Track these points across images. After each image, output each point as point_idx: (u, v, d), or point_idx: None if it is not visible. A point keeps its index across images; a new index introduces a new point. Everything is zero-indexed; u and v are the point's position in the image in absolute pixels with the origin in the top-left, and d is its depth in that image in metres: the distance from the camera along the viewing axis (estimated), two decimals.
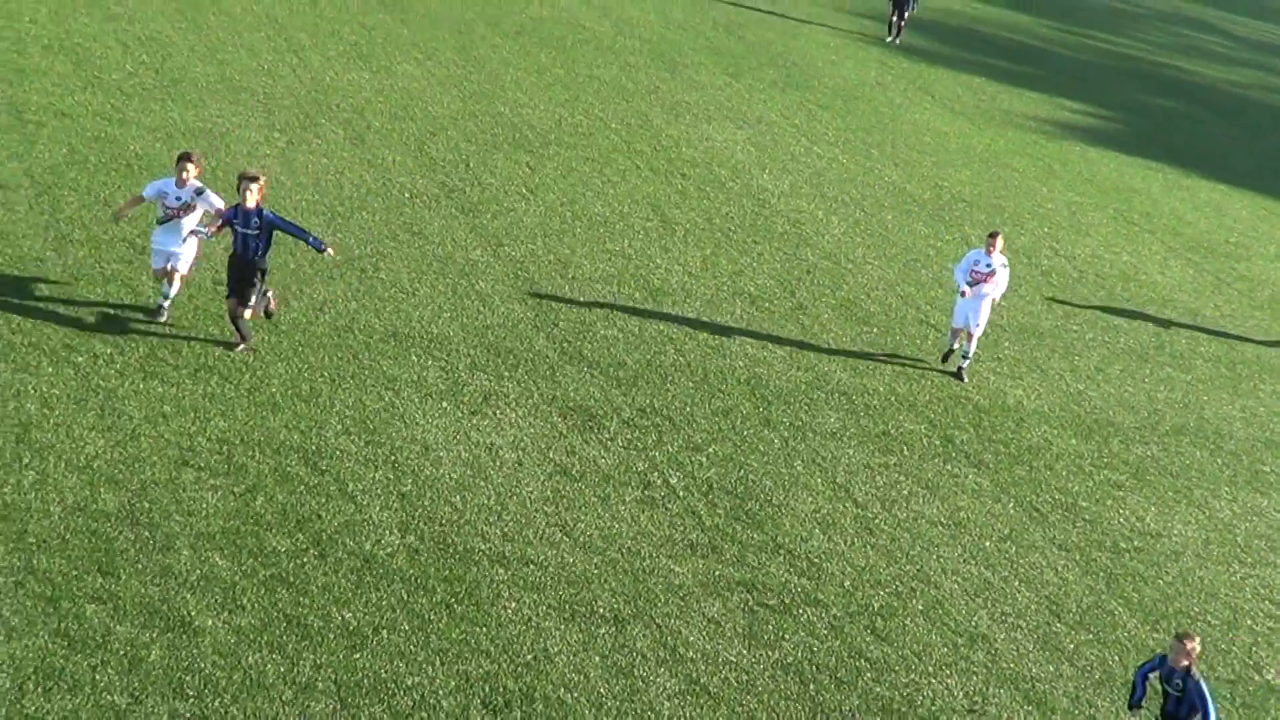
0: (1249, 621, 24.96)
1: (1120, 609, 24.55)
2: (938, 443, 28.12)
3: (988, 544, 25.49)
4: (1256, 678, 23.59)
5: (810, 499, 25.42)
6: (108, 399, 23.23)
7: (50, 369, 23.56)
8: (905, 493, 26.31)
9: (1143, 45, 71.08)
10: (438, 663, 19.90)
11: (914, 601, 23.58)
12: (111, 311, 25.49)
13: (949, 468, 27.41)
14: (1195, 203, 47.46)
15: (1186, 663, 19.63)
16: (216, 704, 18.33)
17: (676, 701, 20.35)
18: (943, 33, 61.32)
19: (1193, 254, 42.24)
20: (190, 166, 25.42)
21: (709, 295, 31.59)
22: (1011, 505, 26.76)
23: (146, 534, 20.76)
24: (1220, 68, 70.79)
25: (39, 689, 17.86)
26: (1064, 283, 37.39)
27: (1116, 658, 23.29)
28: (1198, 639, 19.77)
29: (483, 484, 23.63)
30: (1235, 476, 29.69)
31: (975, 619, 23.50)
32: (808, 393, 28.62)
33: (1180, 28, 78.20)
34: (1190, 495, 28.53)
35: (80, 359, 23.98)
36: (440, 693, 19.43)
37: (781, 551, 23.92)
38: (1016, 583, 24.68)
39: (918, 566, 24.43)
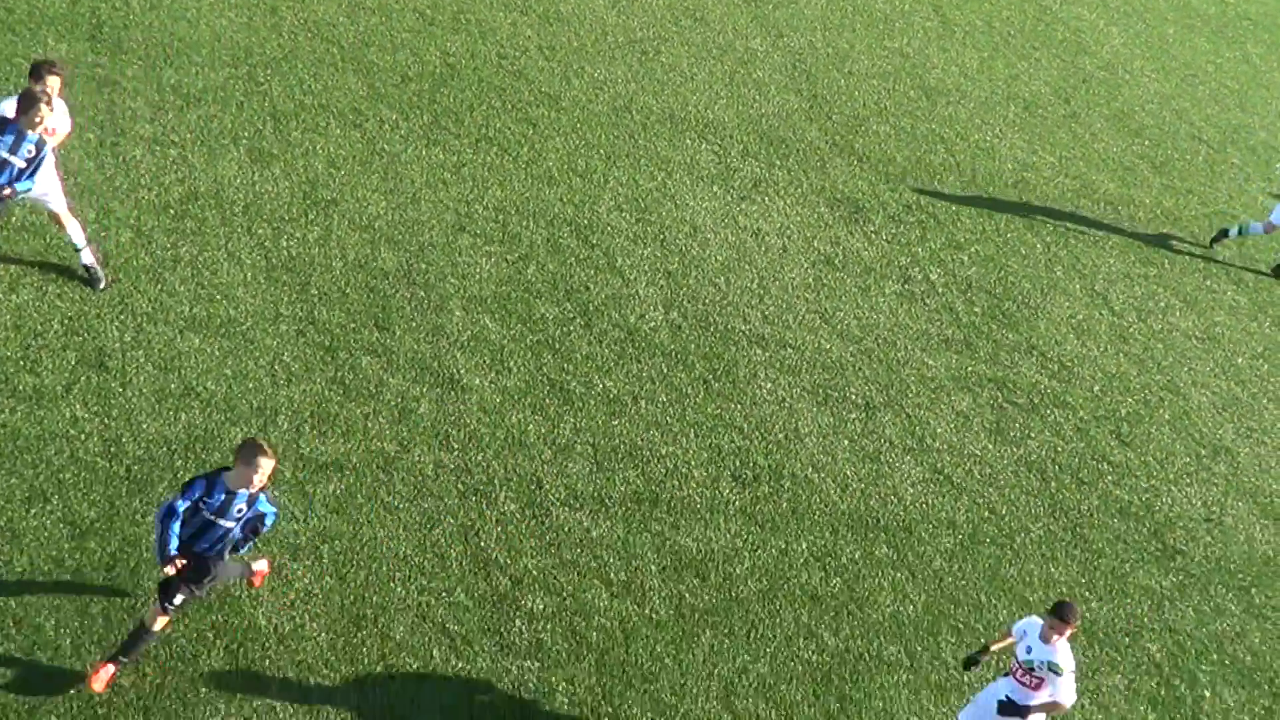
0: None
1: None
2: (1199, 257, 27.64)
3: (1240, 360, 25.15)
4: None
5: (1067, 304, 25.22)
6: (391, 163, 23.66)
7: (339, 131, 24.02)
8: (1162, 304, 25.99)
9: None
10: (692, 434, 20.23)
11: (1161, 410, 23.40)
12: (400, 79, 25.83)
13: (1208, 283, 26.99)
14: None
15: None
16: (479, 458, 18.85)
17: (920, 488, 20.51)
18: None
19: None
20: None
21: (983, 97, 31.18)
22: (1267, 324, 26.32)
23: (422, 294, 21.24)
24: None
25: (314, 431, 18.51)
26: None
27: None
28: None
29: (747, 267, 23.77)
30: None
31: (1220, 432, 23.28)
32: (1074, 200, 28.25)
33: None
34: None
35: (368, 123, 24.40)
36: (693, 463, 19.77)
37: (1034, 353, 23.82)
38: (1265, 400, 24.35)
39: (1168, 377, 24.20)
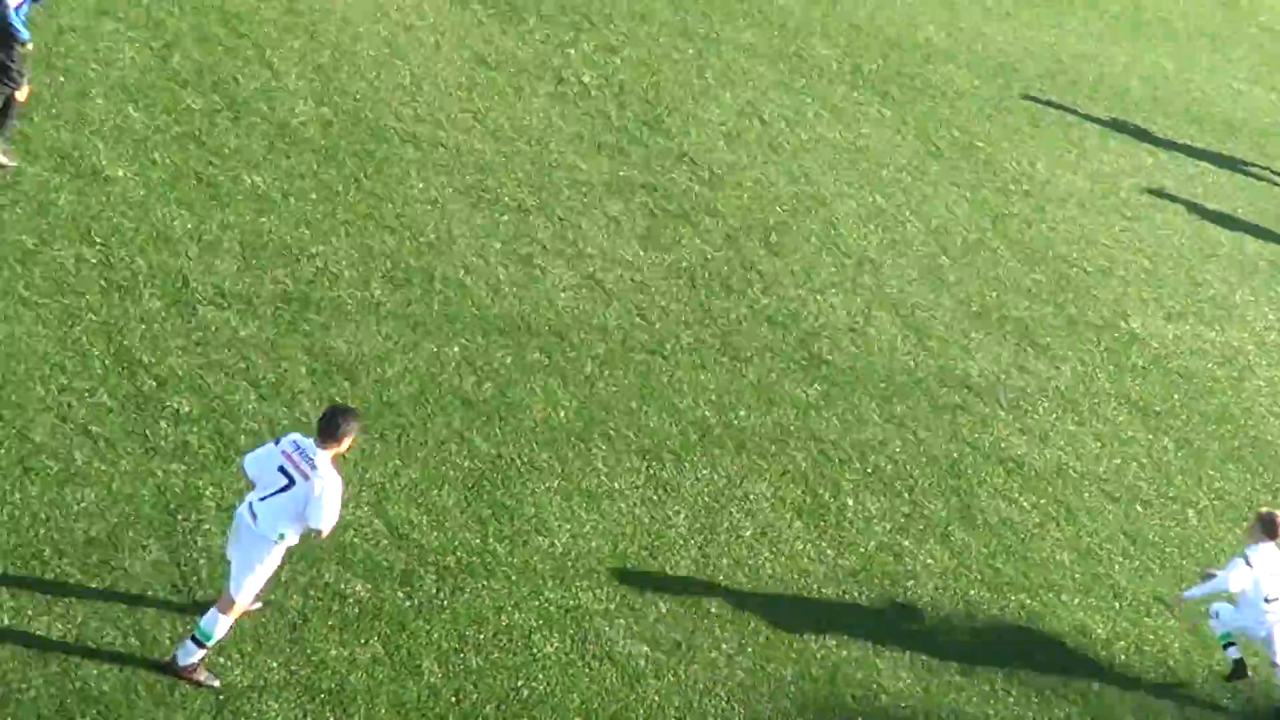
0: (1121, 271, 24.94)
1: (1003, 248, 24.50)
2: (847, 69, 27.71)
3: (885, 173, 25.31)
4: (1122, 325, 23.66)
5: (719, 111, 25.07)
6: None
7: None
8: (810, 115, 25.99)
9: None
10: (342, 233, 19.64)
11: (808, 220, 23.43)
12: None
13: (855, 95, 27.07)
14: None
15: None
16: (123, 253, 18.03)
17: (571, 294, 20.24)
18: None
19: None
20: None
21: None
22: (911, 137, 26.52)
23: (62, 79, 20.20)
24: None
25: None
26: None
27: (994, 294, 23.30)
28: None
29: (399, 63, 23.09)
30: (1122, 123, 29.33)
31: (865, 243, 23.41)
32: (725, 4, 27.98)
33: None
34: (1082, 146, 28.28)
35: None
36: (343, 263, 19.21)
37: (685, 160, 23.63)
38: (908, 212, 24.56)
39: (816, 188, 24.24)
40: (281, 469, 13.77)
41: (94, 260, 17.78)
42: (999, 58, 30.19)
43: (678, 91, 25.10)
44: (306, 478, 13.68)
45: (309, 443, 13.85)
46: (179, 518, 15.37)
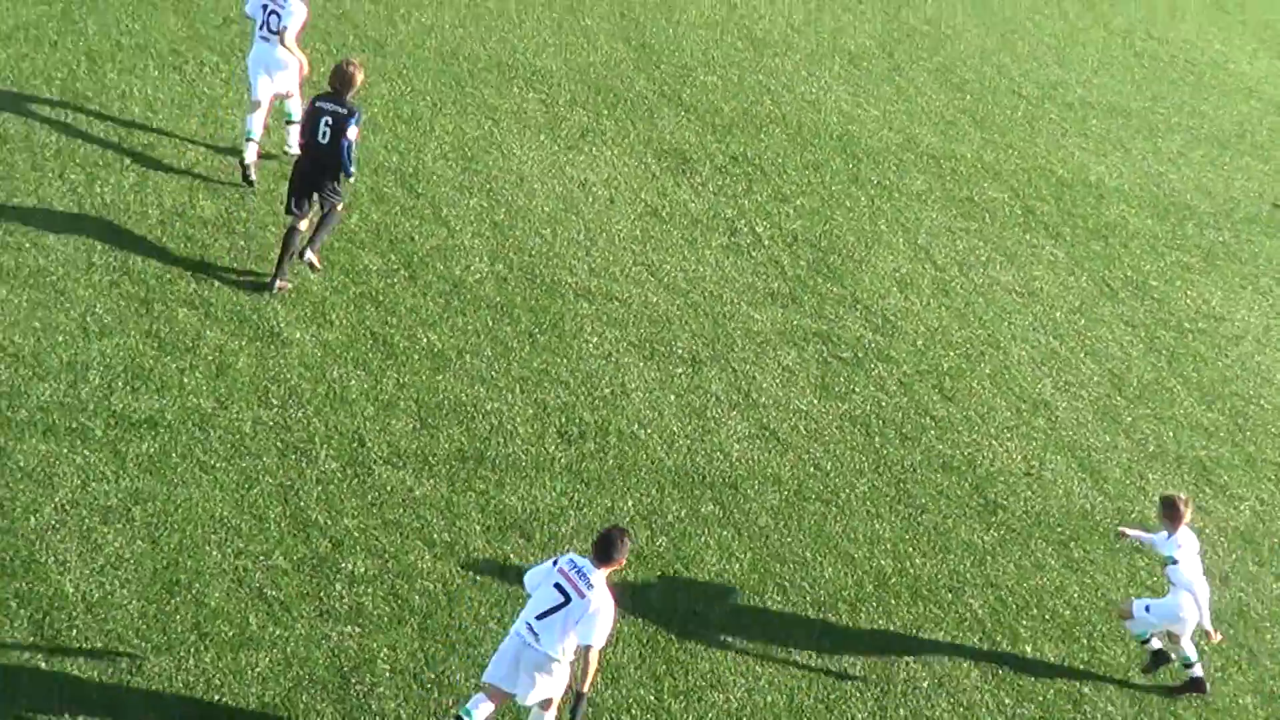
0: None
1: (1179, 387, 23.81)
2: (1019, 212, 27.19)
3: (1058, 314, 24.70)
4: None
5: (891, 258, 24.63)
6: (211, 107, 22.57)
7: (156, 73, 22.89)
8: (983, 258, 25.47)
9: None
10: (517, 390, 19.38)
11: (982, 365, 22.88)
12: (221, 20, 24.68)
13: (1027, 237, 26.52)
14: None
15: None
16: (299, 414, 17.89)
17: (746, 444, 19.82)
18: None
19: None
20: None
21: (809, 49, 30.50)
22: (1084, 279, 25.91)
23: (242, 243, 20.20)
24: None
25: (127, 387, 17.45)
26: (1155, 66, 36.05)
27: (1171, 434, 22.62)
28: None
29: (574, 218, 22.92)
30: None
31: (1039, 386, 22.81)
32: (897, 154, 27.67)
33: None
34: (1257, 283, 27.60)
35: (187, 66, 23.31)
36: (518, 419, 18.93)
37: (859, 306, 23.20)
38: (1082, 354, 23.93)
39: (989, 331, 23.69)
40: (558, 585, 14.15)
41: (271, 422, 17.65)
42: (1171, 196, 29.56)
43: (850, 239, 24.71)
44: (583, 595, 14.07)
45: (585, 561, 14.28)
46: (352, 681, 15.08)
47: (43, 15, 23.27)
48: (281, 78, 21.51)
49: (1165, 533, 18.00)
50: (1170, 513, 17.89)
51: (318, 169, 19.53)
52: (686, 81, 27.59)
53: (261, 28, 21.34)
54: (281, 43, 21.21)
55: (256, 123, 21.30)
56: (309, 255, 19.65)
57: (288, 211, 19.72)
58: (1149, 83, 34.87)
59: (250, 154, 21.30)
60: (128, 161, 20.87)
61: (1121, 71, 34.94)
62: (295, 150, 20.69)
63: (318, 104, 19.51)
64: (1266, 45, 40.17)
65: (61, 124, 21.14)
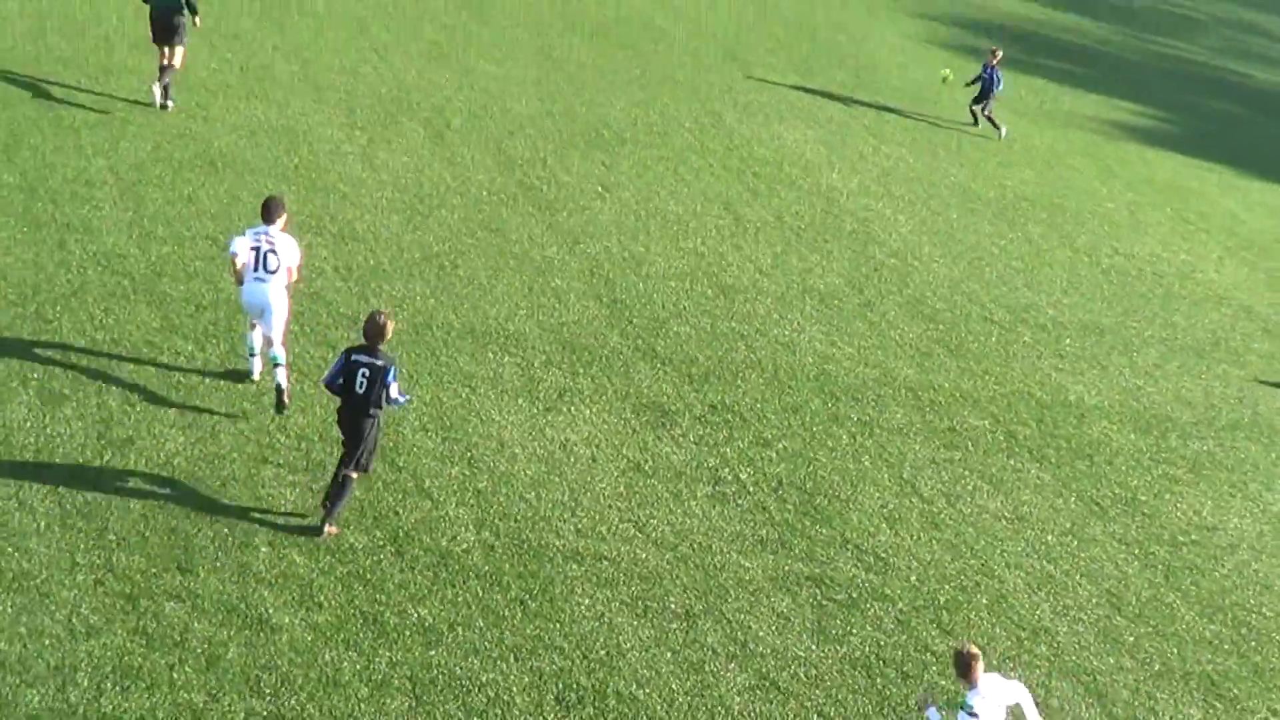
0: None
1: (1178, 602, 23.69)
2: (1001, 438, 27.22)
3: (1050, 538, 24.62)
4: None
5: (877, 494, 24.59)
6: (188, 395, 22.59)
7: (132, 366, 22.93)
8: (970, 488, 25.45)
9: (1200, 49, 69.76)
10: (512, 659, 19.20)
11: (978, 596, 22.75)
12: (193, 308, 24.83)
13: (1012, 463, 26.52)
14: (1249, 202, 46.31)
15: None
16: (293, 702, 17.68)
17: (747, 696, 19.61)
18: (1006, 37, 60.24)
19: (1247, 252, 41.14)
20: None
21: (779, 292, 30.74)
22: (1073, 500, 25.87)
23: (225, 531, 20.11)
24: (1274, 70, 69.43)
25: (116, 687, 17.25)
26: (1124, 281, 36.39)
27: (1175, 650, 22.47)
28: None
29: (557, 480, 22.89)
30: None
31: (1038, 613, 22.67)
32: (875, 389, 27.76)
33: (1235, 32, 76.79)
34: (1246, 489, 27.62)
35: (162, 356, 23.33)
36: (514, 689, 18.73)
37: (849, 546, 23.11)
38: (1078, 576, 23.82)
39: (982, 561, 23.59)
40: None
41: (264, 712, 17.41)
42: (1152, 410, 29.67)
43: (835, 479, 24.69)
44: None
45: None
46: None
47: (16, 317, 23.41)
48: (274, 319, 22.43)
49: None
50: (962, 669, 17.52)
51: (358, 415, 20.36)
52: (660, 334, 27.76)
53: (257, 268, 22.21)
54: (282, 279, 22.43)
55: (257, 338, 22.90)
56: (327, 529, 20.45)
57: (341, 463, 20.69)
58: (1119, 298, 35.16)
59: (256, 368, 23.23)
60: (107, 457, 20.85)
61: (1091, 289, 35.24)
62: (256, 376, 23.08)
63: (354, 357, 20.30)
64: (1231, 252, 40.63)
65: (39, 424, 21.16)
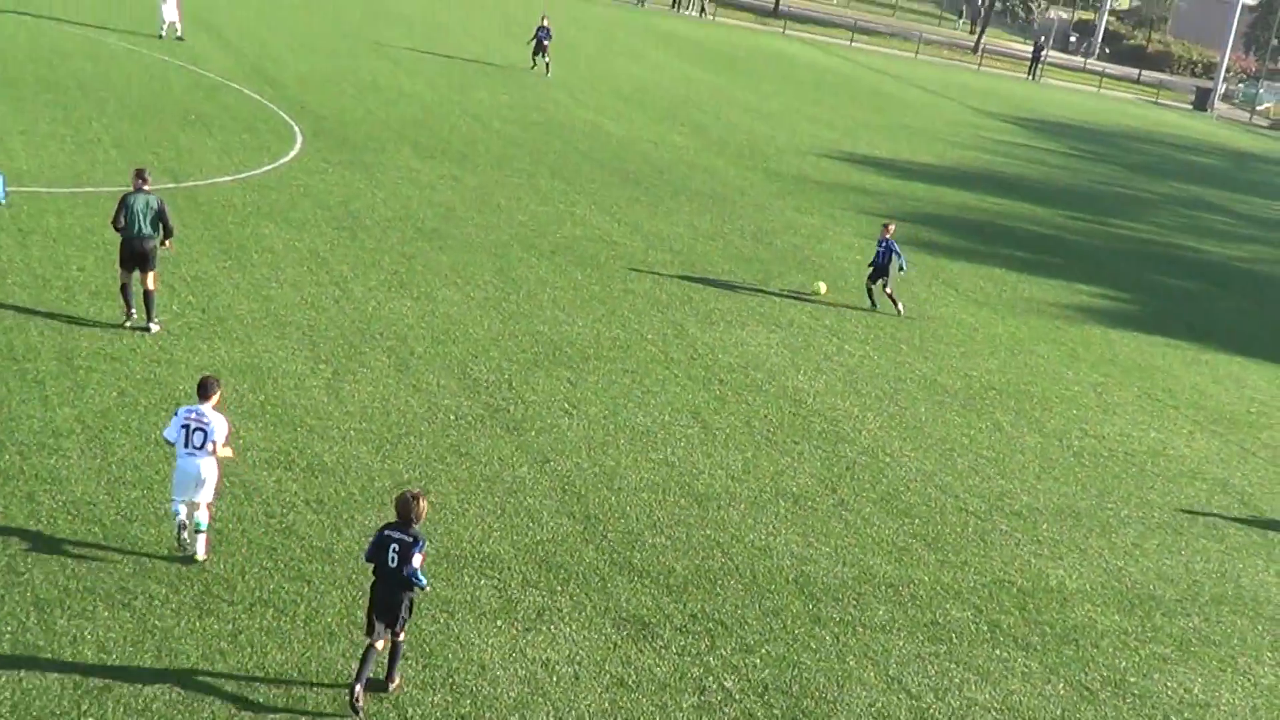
0: None
1: None
2: (985, 628, 27.18)
3: None
4: None
5: (864, 693, 24.49)
6: (164, 639, 22.50)
7: (106, 613, 22.86)
8: (957, 680, 25.36)
9: (1154, 228, 70.77)
10: None
11: None
12: (166, 552, 24.82)
13: (998, 652, 26.47)
14: (1216, 376, 46.72)
15: None
16: None
17: None
18: (962, 227, 61.08)
19: (1217, 426, 41.43)
20: None
21: (753, 497, 30.83)
22: (1061, 685, 25.79)
23: None
24: (1229, 244, 70.42)
25: None
26: (1095, 462, 36.58)
27: None
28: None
29: (541, 701, 22.77)
30: (1277, 642, 28.69)
31: None
32: (855, 587, 27.75)
33: (1188, 209, 77.97)
34: (1235, 664, 27.56)
35: (136, 601, 23.28)
36: None
37: None
38: None
39: None
40: None
41: None
42: (1135, 589, 29.70)
43: (820, 680, 24.59)
44: None
45: None
46: None
47: None
48: (204, 491, 24.50)
49: None
50: None
51: (389, 591, 21.82)
52: (635, 546, 27.78)
53: (187, 444, 24.23)
54: (211, 454, 24.37)
55: (184, 510, 24.59)
56: (392, 686, 22.17)
57: (366, 633, 22.00)
58: (1093, 480, 35.32)
59: (184, 535, 24.76)
60: (85, 706, 20.71)
61: (1064, 473, 35.41)
62: (185, 536, 24.75)
63: (386, 532, 21.85)
64: (1201, 426, 40.92)
65: (12, 680, 21.04)
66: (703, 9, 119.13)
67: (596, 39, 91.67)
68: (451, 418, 32.00)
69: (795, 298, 45.63)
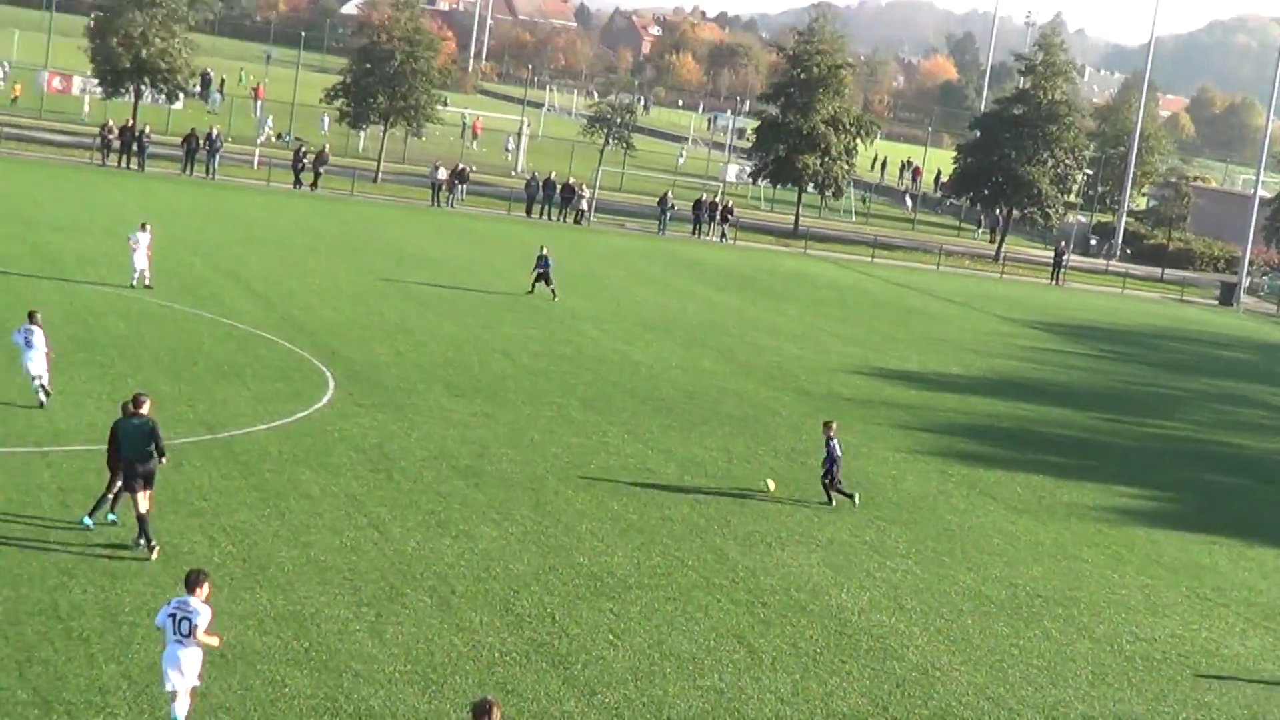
0: None
1: None
2: None
3: None
4: None
5: None
6: None
7: None
8: None
9: (1189, 425, 70.74)
10: None
11: None
12: None
13: None
14: (1264, 571, 46.45)
15: None
16: None
17: None
18: (996, 436, 61.11)
19: (1270, 622, 41.11)
20: None
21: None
22: None
23: None
24: (1266, 438, 70.28)
25: None
26: (1148, 665, 36.29)
27: None
28: None
29: None
30: None
31: None
32: None
33: (1222, 404, 77.96)
34: None
35: None
36: None
37: None
38: None
39: None
40: None
41: None
42: None
43: None
44: None
45: None
46: None
47: None
48: (186, 679, 26.19)
49: None
50: None
51: None
52: None
53: (174, 633, 26.02)
54: (195, 641, 26.15)
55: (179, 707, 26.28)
56: None
57: None
58: (1147, 684, 35.03)
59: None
60: None
61: (1117, 678, 35.13)
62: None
63: None
64: (1253, 623, 40.62)
65: None
66: (723, 234, 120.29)
67: (620, 270, 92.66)
68: (496, 655, 31.90)
69: (833, 516, 45.57)
